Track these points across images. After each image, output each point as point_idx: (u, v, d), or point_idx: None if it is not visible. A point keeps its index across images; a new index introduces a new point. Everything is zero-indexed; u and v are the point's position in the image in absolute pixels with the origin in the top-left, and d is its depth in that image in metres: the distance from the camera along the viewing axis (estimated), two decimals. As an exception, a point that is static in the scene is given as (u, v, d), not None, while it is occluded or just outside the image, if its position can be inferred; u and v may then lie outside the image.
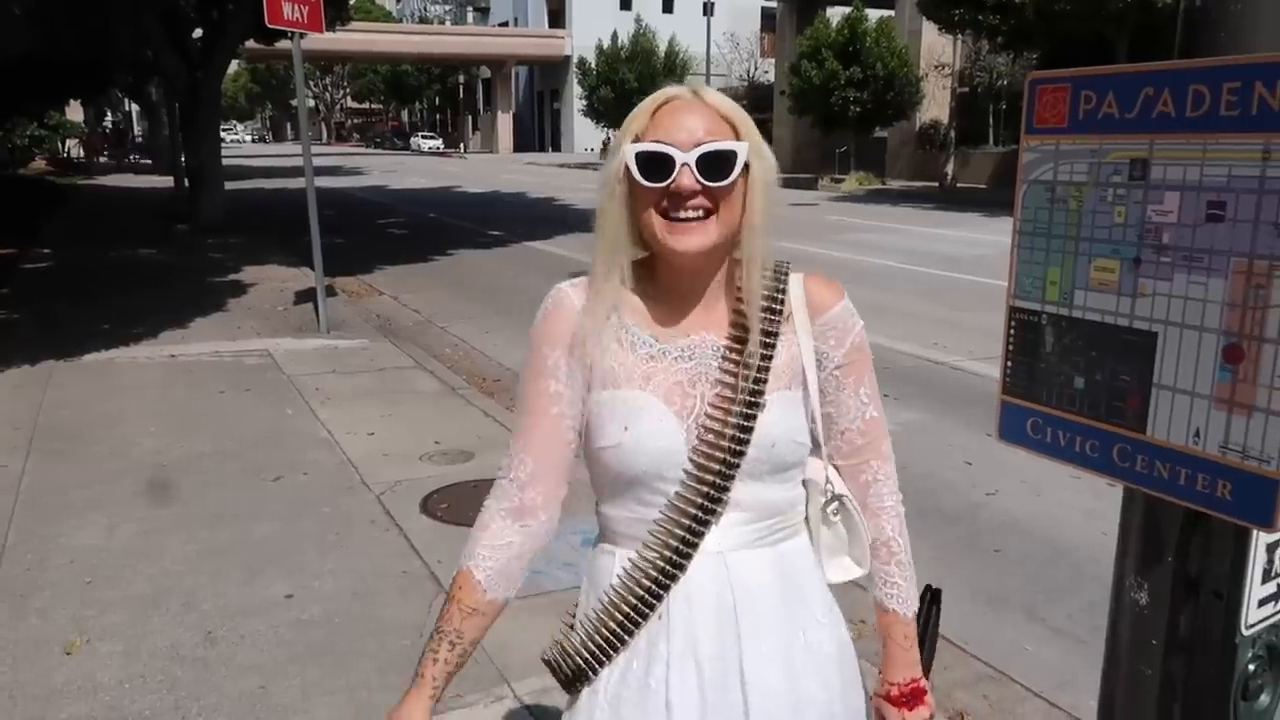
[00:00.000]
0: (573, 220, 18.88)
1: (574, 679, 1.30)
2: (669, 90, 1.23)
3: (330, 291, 8.48)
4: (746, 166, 1.19)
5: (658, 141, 1.17)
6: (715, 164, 1.16)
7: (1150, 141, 1.05)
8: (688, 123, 1.17)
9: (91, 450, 4.99)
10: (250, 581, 3.55)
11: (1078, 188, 1.13)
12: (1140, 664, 1.18)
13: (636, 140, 1.19)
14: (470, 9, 67.38)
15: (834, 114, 27.23)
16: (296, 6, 7.32)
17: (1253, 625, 1.09)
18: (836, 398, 1.29)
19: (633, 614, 1.24)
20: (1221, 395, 1.00)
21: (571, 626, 1.32)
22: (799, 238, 14.61)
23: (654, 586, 1.23)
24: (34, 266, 11.81)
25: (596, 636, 1.27)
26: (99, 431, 5.29)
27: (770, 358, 1.23)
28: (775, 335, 1.23)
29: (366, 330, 8.23)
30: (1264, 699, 1.14)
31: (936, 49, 28.66)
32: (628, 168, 1.18)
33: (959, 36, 26.21)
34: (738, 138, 1.19)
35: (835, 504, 1.31)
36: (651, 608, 1.24)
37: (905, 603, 1.34)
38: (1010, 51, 23.67)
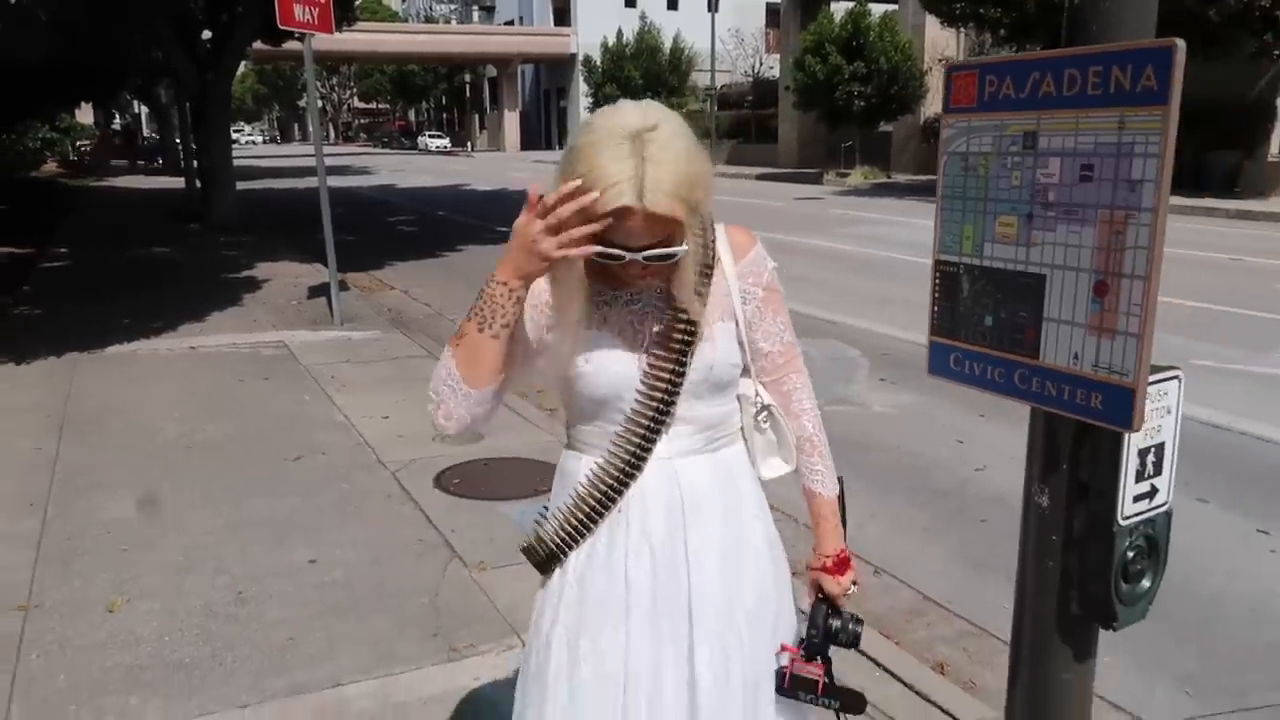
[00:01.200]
0: (579, 216, 19.03)
1: (546, 561, 1.57)
2: (617, 187, 1.29)
3: (343, 286, 8.72)
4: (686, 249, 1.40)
5: (611, 245, 1.33)
6: (661, 257, 1.37)
7: (1038, 117, 1.27)
8: (638, 232, 1.33)
9: (119, 434, 5.24)
10: (275, 549, 3.79)
11: (985, 157, 1.35)
12: (1045, 558, 1.40)
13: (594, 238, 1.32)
14: (476, 8, 67.61)
15: (839, 109, 27.35)
16: (307, 8, 7.56)
17: (1128, 517, 1.31)
18: (760, 326, 1.56)
19: (597, 507, 1.51)
20: (1093, 323, 1.23)
21: (542, 522, 1.57)
22: (803, 232, 14.80)
23: (615, 485, 1.50)
24: (52, 265, 12.09)
25: (567, 526, 1.53)
26: (125, 417, 5.55)
27: (705, 298, 1.47)
28: (709, 280, 1.48)
29: (379, 323, 8.47)
30: (1145, 583, 1.36)
31: (940, 42, 28.76)
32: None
33: (962, 30, 26.31)
34: (682, 220, 1.33)
35: (765, 413, 1.57)
36: (613, 502, 1.50)
37: (828, 485, 1.62)
38: (1013, 44, 23.76)
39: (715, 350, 1.49)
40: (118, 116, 49.24)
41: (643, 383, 1.47)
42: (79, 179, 30.31)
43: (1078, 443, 1.33)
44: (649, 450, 1.49)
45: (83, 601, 3.36)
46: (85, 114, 40.40)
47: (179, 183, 23.86)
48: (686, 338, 1.46)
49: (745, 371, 1.58)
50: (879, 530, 4.22)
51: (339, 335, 7.84)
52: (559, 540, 1.55)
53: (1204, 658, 3.20)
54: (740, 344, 1.54)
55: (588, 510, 1.52)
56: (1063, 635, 1.41)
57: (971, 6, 20.75)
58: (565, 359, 1.49)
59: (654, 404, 1.47)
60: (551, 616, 1.57)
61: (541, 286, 1.51)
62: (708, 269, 1.50)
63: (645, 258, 1.35)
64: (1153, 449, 1.31)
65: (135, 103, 38.17)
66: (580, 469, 1.54)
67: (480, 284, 1.41)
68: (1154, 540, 1.35)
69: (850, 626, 1.58)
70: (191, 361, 6.96)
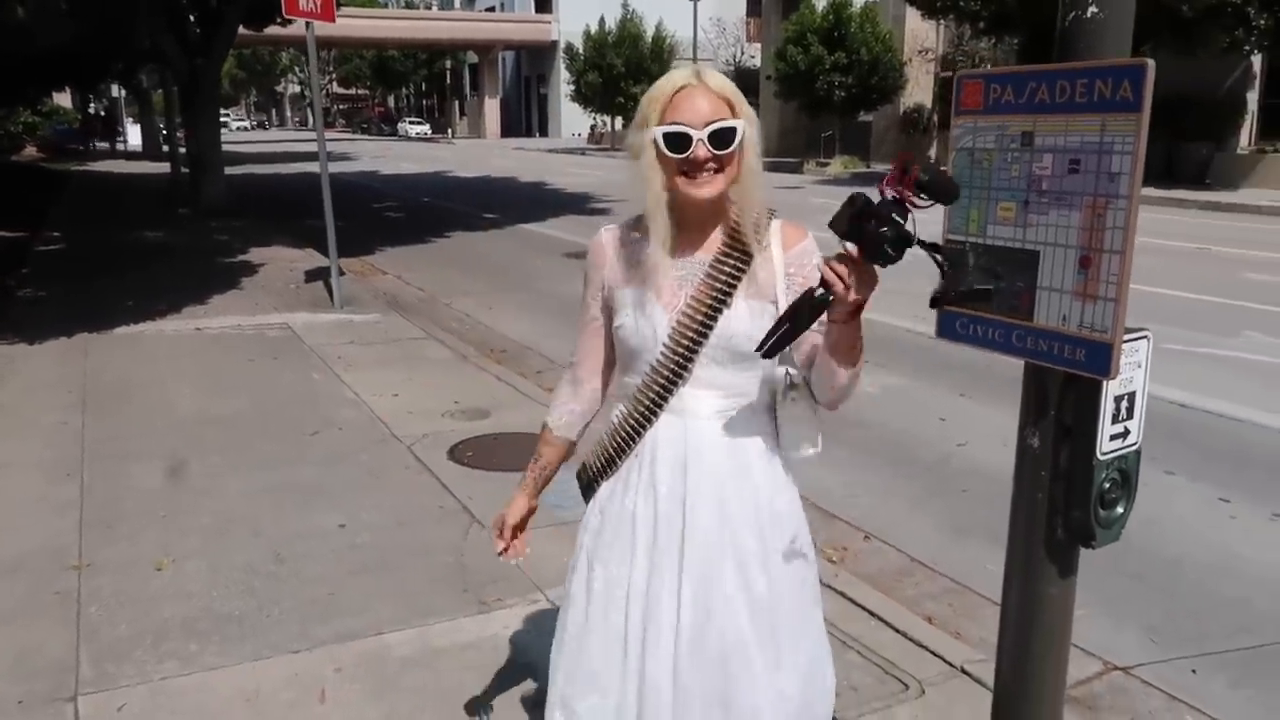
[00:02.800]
0: (564, 203, 19.26)
1: (586, 489, 1.87)
2: (680, 77, 1.63)
3: (339, 271, 8.90)
4: (743, 134, 1.63)
5: (677, 123, 1.60)
6: (721, 137, 1.60)
7: (1034, 120, 1.53)
8: (699, 106, 1.60)
9: (140, 409, 5.44)
10: (305, 514, 4.01)
11: (988, 153, 1.61)
12: (1035, 490, 1.67)
13: (661, 121, 1.61)
14: (456, -7, 67.31)
15: (819, 98, 27.61)
16: (310, -3, 7.71)
17: (1106, 453, 1.57)
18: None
19: (622, 446, 1.77)
20: (1078, 290, 1.49)
21: (588, 457, 1.87)
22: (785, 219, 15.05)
23: (634, 431, 1.75)
24: (47, 249, 12.17)
25: (598, 461, 1.82)
26: (143, 393, 5.74)
27: (741, 273, 1.67)
28: (750, 257, 1.67)
29: (377, 306, 8.66)
30: (1118, 509, 1.63)
31: (920, 34, 29.07)
32: (656, 143, 1.61)
33: (942, 22, 26.64)
34: (734, 113, 1.62)
35: (794, 391, 1.72)
36: (631, 446, 1.76)
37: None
38: (992, 36, 24.09)
39: (740, 322, 1.67)
40: (93, 101, 48.75)
41: (669, 338, 1.68)
42: (60, 163, 30.11)
43: (1064, 391, 1.59)
44: (665, 402, 1.71)
45: (131, 561, 3.57)
46: (64, 98, 40.11)
47: (162, 168, 23.80)
48: (716, 304, 1.66)
49: (788, 359, 1.72)
50: (869, 500, 4.49)
51: (340, 318, 8.04)
52: (593, 472, 1.84)
53: (1168, 611, 3.49)
54: (771, 323, 1.64)
55: (613, 449, 1.79)
56: (1050, 556, 1.68)
57: (952, -1, 21.04)
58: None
59: (675, 360, 1.68)
60: (581, 540, 1.86)
61: (604, 261, 1.79)
62: (746, 256, 1.68)
63: (709, 134, 1.58)
64: (1126, 396, 1.58)
65: (115, 87, 37.87)
66: (613, 414, 1.81)
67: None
68: (1126, 474, 1.62)
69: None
70: (199, 342, 7.14)
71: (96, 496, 4.17)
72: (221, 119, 22.78)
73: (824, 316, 1.48)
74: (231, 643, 3.03)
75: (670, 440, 1.72)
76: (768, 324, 1.66)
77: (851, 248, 1.41)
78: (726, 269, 1.68)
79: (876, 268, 1.41)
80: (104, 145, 39.40)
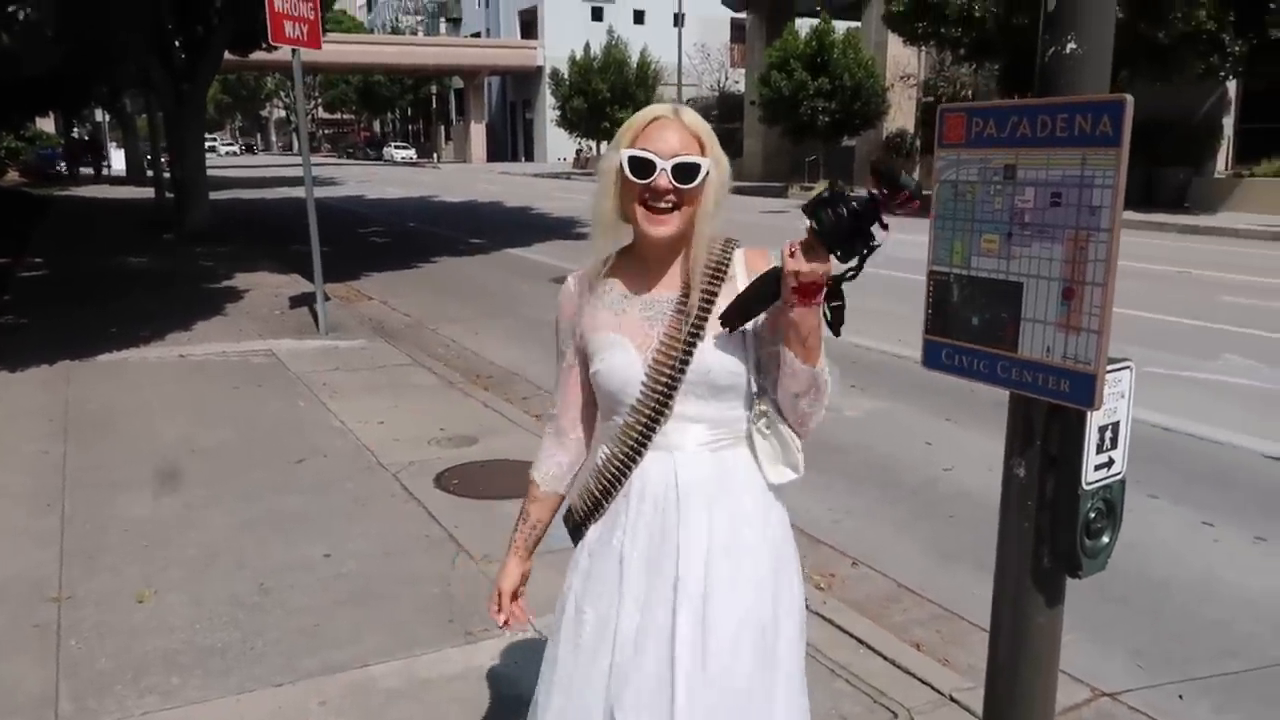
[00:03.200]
0: (550, 227, 19.31)
1: (575, 530, 1.84)
2: (657, 109, 1.68)
3: (324, 296, 8.88)
4: (707, 173, 1.65)
5: (645, 150, 1.63)
6: (685, 171, 1.62)
7: (1016, 153, 1.55)
8: (669, 138, 1.63)
9: (123, 438, 5.39)
10: (290, 544, 3.98)
11: (971, 185, 1.63)
12: (1021, 520, 1.68)
13: (630, 146, 1.64)
14: (442, 19, 67.71)
15: (803, 124, 27.84)
16: (297, 25, 7.77)
17: (1091, 483, 1.58)
18: (773, 338, 1.69)
19: (608, 488, 1.75)
20: (1061, 322, 1.50)
21: (575, 498, 1.86)
22: (774, 244, 15.12)
23: (620, 470, 1.73)
24: (30, 275, 12.10)
25: (585, 503, 1.79)
26: (127, 422, 5.69)
27: (709, 307, 1.67)
28: (714, 291, 1.68)
29: (363, 332, 8.64)
30: (1104, 539, 1.64)
31: (902, 60, 29.41)
32: (622, 165, 1.64)
33: (923, 48, 26.95)
34: (703, 152, 1.65)
35: (764, 419, 1.72)
36: (618, 485, 1.74)
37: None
38: (972, 63, 24.39)
39: (716, 355, 1.67)
40: (77, 125, 48.69)
41: (647, 377, 1.68)
42: (44, 188, 29.98)
43: (1049, 422, 1.61)
44: (649, 440, 1.70)
45: (113, 593, 3.53)
46: (47, 123, 40.04)
47: (146, 192, 23.74)
48: (689, 341, 1.66)
49: (758, 387, 1.73)
50: (855, 525, 4.49)
51: (326, 344, 8.01)
52: (580, 514, 1.81)
53: (1154, 636, 3.50)
54: (745, 351, 1.69)
55: (600, 491, 1.76)
56: (1037, 585, 1.69)
57: (933, 26, 21.29)
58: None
59: (655, 398, 1.67)
60: (569, 581, 1.82)
61: (573, 307, 1.80)
62: (714, 277, 1.69)
63: (674, 165, 1.61)
64: (1110, 426, 1.59)
65: (98, 111, 37.83)
66: (597, 456, 1.80)
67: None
68: (1111, 503, 1.63)
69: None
70: (183, 369, 7.10)
71: (78, 527, 4.12)
72: (209, 143, 22.78)
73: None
74: (214, 676, 3.00)
75: (659, 475, 1.71)
76: (738, 354, 1.69)
77: (810, 224, 1.49)
78: (694, 304, 1.68)
79: (835, 260, 1.50)
80: (88, 170, 39.34)
